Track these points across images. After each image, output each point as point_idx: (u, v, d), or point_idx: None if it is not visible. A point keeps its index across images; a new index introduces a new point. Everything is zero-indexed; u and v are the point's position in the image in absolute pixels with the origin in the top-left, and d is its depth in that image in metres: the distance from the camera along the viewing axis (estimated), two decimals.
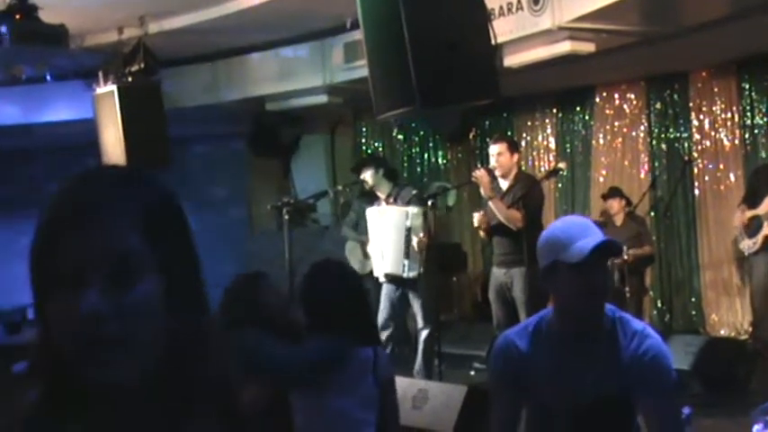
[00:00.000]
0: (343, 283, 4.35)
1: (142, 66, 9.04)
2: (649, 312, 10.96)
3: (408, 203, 8.95)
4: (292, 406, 4.16)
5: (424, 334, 8.94)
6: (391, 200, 9.03)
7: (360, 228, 9.78)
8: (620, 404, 3.32)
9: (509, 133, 11.63)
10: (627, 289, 9.55)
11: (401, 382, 7.06)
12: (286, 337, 4.26)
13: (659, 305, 11.23)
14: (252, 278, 5.03)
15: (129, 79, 8.95)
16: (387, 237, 8.84)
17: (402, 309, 9.12)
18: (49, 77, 10.85)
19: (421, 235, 8.72)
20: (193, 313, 1.56)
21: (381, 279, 9.00)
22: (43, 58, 10.18)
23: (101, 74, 9.21)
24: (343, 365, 4.11)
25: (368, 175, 9.07)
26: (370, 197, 9.64)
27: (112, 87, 8.74)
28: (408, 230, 8.80)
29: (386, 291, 9.00)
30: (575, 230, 3.30)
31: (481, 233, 8.60)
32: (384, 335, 9.03)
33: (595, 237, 3.23)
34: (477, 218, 8.30)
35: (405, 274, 8.77)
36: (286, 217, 8.81)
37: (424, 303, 8.91)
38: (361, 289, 4.46)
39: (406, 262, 8.77)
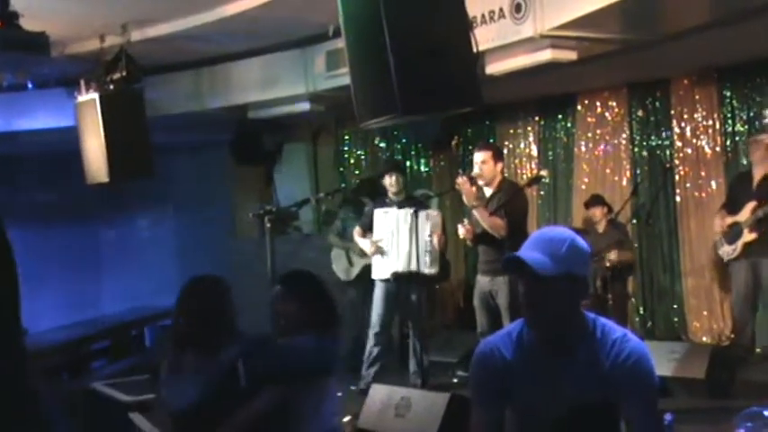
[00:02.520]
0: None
1: (124, 73, 9.01)
2: (631, 319, 10.98)
3: (422, 205, 9.13)
4: None
5: (417, 332, 9.04)
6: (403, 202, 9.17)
7: (346, 235, 9.87)
8: (601, 411, 3.33)
9: (491, 141, 11.64)
10: (609, 296, 9.59)
11: (384, 390, 7.09)
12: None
13: (641, 311, 11.28)
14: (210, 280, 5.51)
15: (111, 87, 8.93)
16: (402, 237, 8.95)
17: (397, 310, 9.20)
18: (30, 85, 10.82)
19: (440, 233, 8.92)
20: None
21: (384, 278, 9.06)
22: (24, 66, 10.14)
23: (82, 82, 9.18)
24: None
25: (394, 180, 9.21)
26: (356, 205, 9.71)
27: (94, 95, 8.72)
28: (431, 229, 8.94)
29: (388, 290, 9.07)
30: (527, 242, 3.37)
31: (467, 241, 8.63)
32: (376, 335, 9.09)
33: (524, 252, 3.31)
34: (462, 230, 8.33)
35: (426, 270, 8.88)
36: (268, 225, 8.82)
37: (419, 308, 9.02)
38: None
39: (427, 259, 8.88)
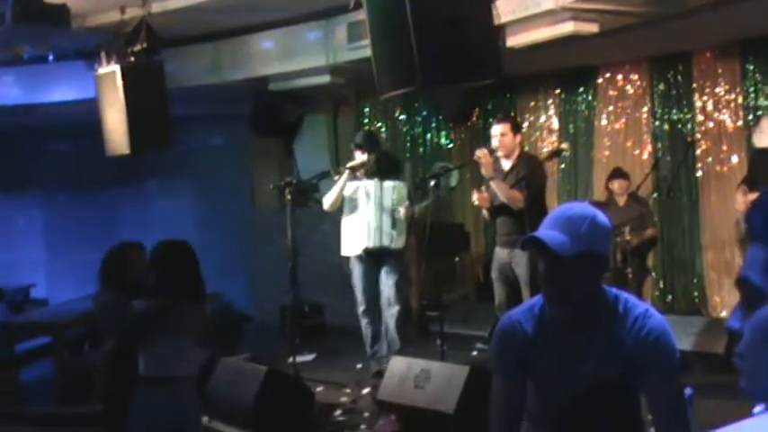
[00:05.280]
0: (178, 257, 5.62)
1: (144, 45, 9.00)
2: (651, 294, 10.96)
3: (387, 178, 9.03)
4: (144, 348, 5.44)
5: (393, 312, 8.97)
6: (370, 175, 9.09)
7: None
8: (621, 386, 3.32)
9: (512, 113, 11.59)
10: (629, 270, 9.56)
11: (403, 363, 7.09)
12: (140, 296, 5.59)
13: (661, 286, 11.25)
14: (124, 246, 6.56)
15: (132, 59, 8.92)
16: (369, 210, 8.91)
17: (377, 285, 9.14)
18: (51, 57, 10.83)
19: (406, 205, 8.84)
20: None
21: (357, 255, 9.01)
22: (45, 38, 10.15)
23: (103, 54, 9.17)
24: (175, 315, 5.41)
25: (364, 156, 9.10)
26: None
27: (115, 67, 8.71)
28: (395, 203, 8.88)
29: (365, 268, 9.04)
30: (547, 220, 3.36)
31: (484, 213, 8.61)
32: (365, 312, 9.07)
33: (543, 231, 3.30)
34: (476, 197, 8.31)
35: (391, 245, 8.84)
36: (288, 197, 8.83)
37: (398, 281, 8.97)
38: (194, 261, 5.63)
39: (393, 233, 8.84)
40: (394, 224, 8.92)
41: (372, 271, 9.04)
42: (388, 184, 8.98)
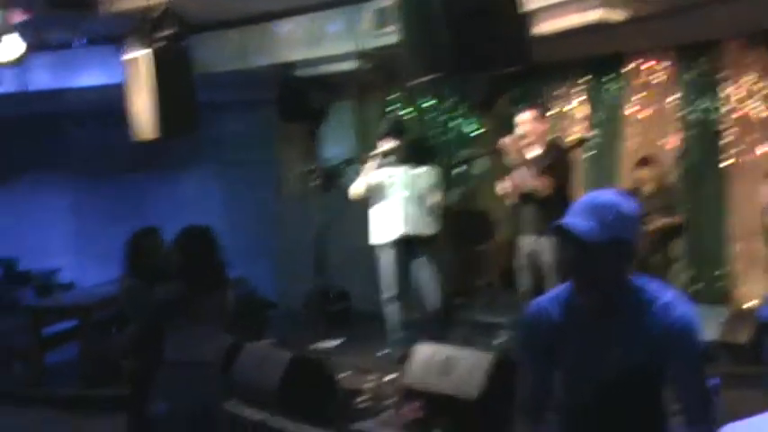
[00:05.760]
0: (201, 243, 5.76)
1: (171, 31, 9.02)
2: (677, 283, 10.92)
3: (418, 164, 9.03)
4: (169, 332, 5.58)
5: (434, 300, 9.00)
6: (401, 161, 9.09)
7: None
8: (647, 375, 3.32)
9: (538, 101, 11.55)
10: (655, 259, 9.53)
11: (428, 349, 7.10)
12: (161, 281, 5.79)
13: (687, 276, 11.19)
14: (142, 233, 6.65)
15: (159, 45, 8.94)
16: (401, 198, 8.89)
17: (407, 273, 9.14)
18: (78, 42, 10.87)
19: (439, 192, 8.86)
20: None
21: (388, 242, 9.00)
22: (74, 24, 10.19)
23: (130, 39, 9.20)
24: (197, 301, 5.56)
25: (392, 143, 9.09)
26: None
27: (142, 53, 8.73)
28: (427, 189, 8.87)
29: (396, 256, 9.02)
30: (574, 208, 3.35)
31: (510, 200, 8.61)
32: (392, 299, 9.07)
33: (570, 219, 3.28)
34: (500, 187, 8.31)
35: (425, 232, 8.85)
36: (314, 183, 8.85)
37: (434, 268, 8.99)
38: (216, 247, 5.75)
39: (426, 219, 8.85)
40: (427, 211, 8.92)
41: (403, 258, 9.02)
42: (420, 170, 8.98)
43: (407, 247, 8.98)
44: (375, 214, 9.07)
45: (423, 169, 9.01)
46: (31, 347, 10.58)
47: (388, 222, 8.97)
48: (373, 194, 9.05)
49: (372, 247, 9.30)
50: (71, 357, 10.63)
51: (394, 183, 8.94)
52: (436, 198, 8.94)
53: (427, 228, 8.94)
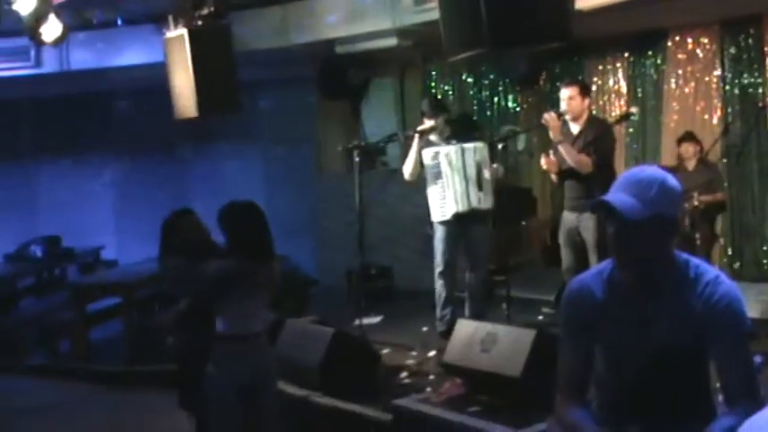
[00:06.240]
0: (249, 218, 5.76)
1: (212, 9, 9.03)
2: (719, 260, 10.85)
3: (465, 140, 9.01)
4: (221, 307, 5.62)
5: (481, 275, 9.01)
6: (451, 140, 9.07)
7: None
8: (691, 352, 3.30)
9: (580, 77, 11.49)
10: (697, 236, 9.47)
11: (469, 325, 7.10)
12: (205, 258, 5.78)
13: (730, 252, 11.12)
14: (179, 213, 6.61)
15: (199, 23, 8.96)
16: (454, 175, 8.87)
17: (459, 250, 9.14)
18: (120, 22, 10.92)
19: (494, 166, 8.85)
20: None
21: (444, 220, 8.98)
22: (114, 3, 10.24)
23: (171, 17, 9.22)
24: (249, 275, 5.58)
25: (436, 120, 9.08)
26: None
27: (183, 31, 8.74)
28: (478, 164, 8.85)
29: (449, 231, 9.00)
30: (616, 184, 3.32)
31: (552, 177, 8.58)
32: (441, 274, 9.06)
33: (613, 195, 3.25)
34: (544, 161, 8.29)
35: (480, 206, 8.84)
36: (357, 159, 8.86)
37: (484, 246, 8.99)
38: (264, 222, 5.75)
39: (480, 194, 8.83)
40: (480, 185, 8.90)
41: (456, 234, 9.01)
42: (468, 145, 8.95)
43: (461, 222, 8.97)
44: (432, 195, 9.06)
45: (472, 145, 8.99)
46: (76, 324, 10.68)
47: (443, 201, 8.96)
48: (428, 175, 9.03)
49: (414, 224, 9.31)
50: (116, 334, 10.73)
51: (446, 161, 8.92)
52: (490, 172, 8.93)
53: (481, 201, 8.93)
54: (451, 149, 8.93)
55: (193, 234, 6.40)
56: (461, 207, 8.86)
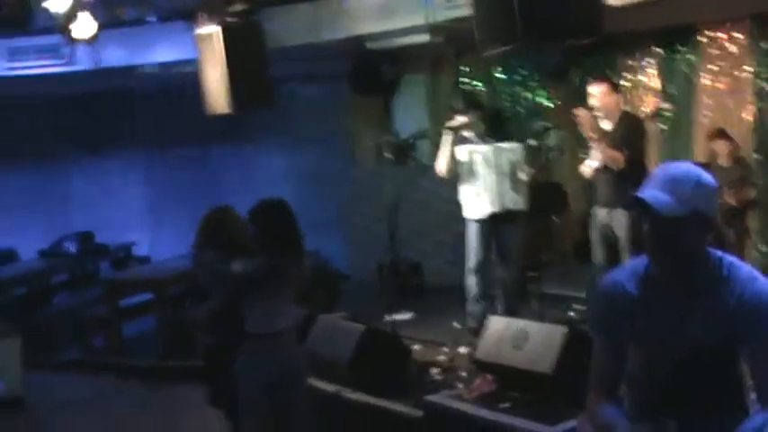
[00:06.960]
0: (279, 215, 5.84)
1: (243, 5, 9.05)
2: (752, 256, 10.79)
3: (501, 140, 9.00)
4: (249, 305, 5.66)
5: (510, 274, 9.00)
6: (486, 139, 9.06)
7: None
8: (724, 349, 3.28)
9: (611, 73, 11.45)
10: (730, 232, 9.42)
11: (501, 322, 7.10)
12: (241, 255, 5.82)
13: (762, 249, 11.06)
14: (222, 209, 6.65)
15: (231, 19, 8.98)
16: (489, 174, 8.87)
17: (492, 248, 9.14)
18: (152, 19, 10.96)
19: (527, 168, 8.84)
20: None
21: (477, 218, 8.98)
22: (145, 0, 10.27)
23: (202, 14, 9.25)
24: (279, 272, 5.67)
25: (469, 117, 9.07)
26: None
27: (214, 28, 8.77)
28: (513, 164, 8.85)
29: (482, 228, 9.00)
30: (651, 180, 3.29)
31: (584, 172, 8.58)
32: (473, 271, 9.06)
33: (648, 191, 3.22)
34: (584, 169, 8.32)
35: (514, 207, 8.85)
36: (387, 155, 8.87)
37: (516, 242, 8.98)
38: (293, 220, 5.85)
39: (515, 196, 8.83)
40: (515, 186, 8.90)
41: (488, 231, 9.02)
42: (504, 146, 8.95)
43: (494, 221, 8.97)
44: (465, 192, 9.06)
45: (507, 145, 8.99)
46: (109, 319, 10.75)
47: (477, 199, 8.96)
48: (462, 172, 9.03)
49: (445, 220, 9.31)
50: (148, 329, 10.79)
51: (482, 160, 8.92)
52: (524, 174, 8.93)
53: (515, 203, 8.93)
54: (488, 149, 8.93)
55: (238, 230, 6.42)
56: (496, 208, 8.87)
